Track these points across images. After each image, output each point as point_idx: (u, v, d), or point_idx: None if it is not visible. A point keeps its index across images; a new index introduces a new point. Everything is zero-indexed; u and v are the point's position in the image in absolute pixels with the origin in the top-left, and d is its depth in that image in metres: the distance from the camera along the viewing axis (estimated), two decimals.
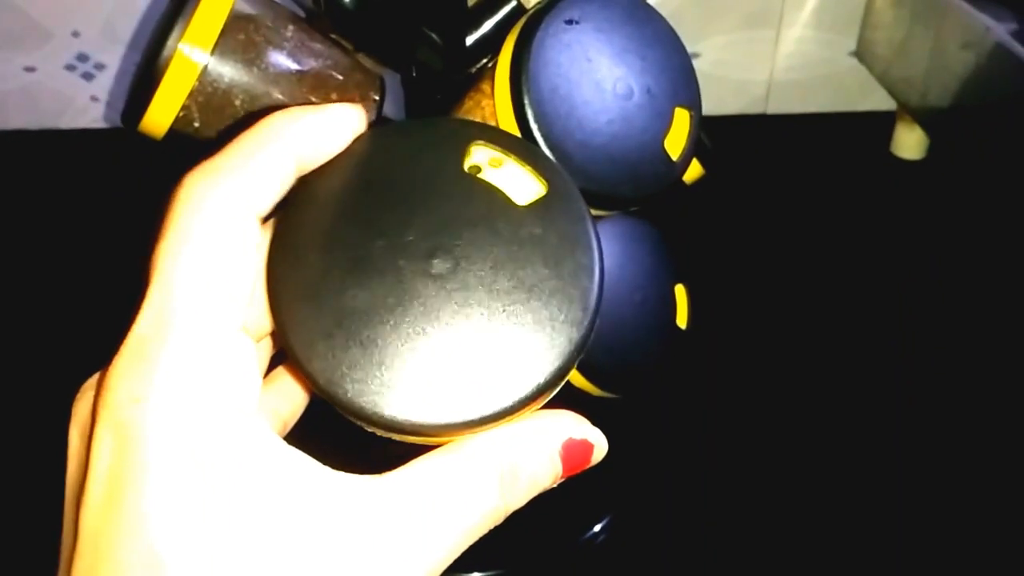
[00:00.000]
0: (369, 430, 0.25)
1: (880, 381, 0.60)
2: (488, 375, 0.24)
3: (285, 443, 0.23)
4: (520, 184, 0.27)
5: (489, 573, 0.47)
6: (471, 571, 0.47)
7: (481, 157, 0.28)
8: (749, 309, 0.65)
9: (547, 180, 0.27)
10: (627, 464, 0.54)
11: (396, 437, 0.25)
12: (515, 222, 0.26)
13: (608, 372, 0.43)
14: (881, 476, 0.54)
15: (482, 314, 0.25)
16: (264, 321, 0.26)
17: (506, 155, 0.28)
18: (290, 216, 0.26)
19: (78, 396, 0.24)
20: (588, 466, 0.27)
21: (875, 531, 0.51)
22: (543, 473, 0.26)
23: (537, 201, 0.27)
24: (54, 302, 0.66)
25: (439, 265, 0.25)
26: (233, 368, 0.22)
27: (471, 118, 0.42)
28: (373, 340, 0.24)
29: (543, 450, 0.25)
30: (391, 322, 0.24)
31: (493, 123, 0.40)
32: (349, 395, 0.24)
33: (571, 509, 0.51)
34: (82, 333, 0.63)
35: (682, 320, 0.46)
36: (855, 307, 0.66)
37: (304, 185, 0.26)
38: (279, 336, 0.25)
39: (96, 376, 0.24)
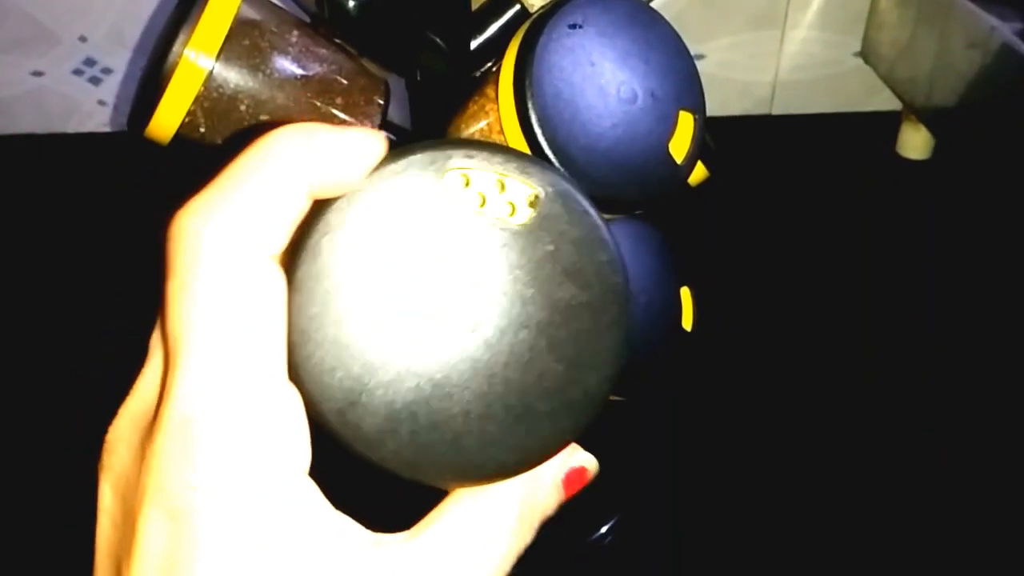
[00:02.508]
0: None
1: (886, 381, 0.60)
2: (526, 428, 0.25)
3: (331, 508, 0.23)
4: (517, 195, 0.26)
5: None
6: None
7: (478, 185, 0.26)
8: (755, 311, 0.65)
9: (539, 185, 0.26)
10: (633, 466, 0.54)
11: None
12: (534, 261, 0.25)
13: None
14: (886, 476, 0.53)
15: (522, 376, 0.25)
16: None
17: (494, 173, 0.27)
18: (307, 267, 0.23)
19: (108, 447, 0.23)
20: (584, 485, 0.29)
21: (878, 530, 0.51)
22: (551, 504, 0.28)
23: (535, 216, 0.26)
24: (60, 305, 0.67)
25: (478, 332, 0.24)
26: (283, 431, 0.21)
27: (475, 122, 0.42)
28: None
29: (550, 483, 0.28)
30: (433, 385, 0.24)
31: (498, 128, 0.40)
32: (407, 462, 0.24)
33: (577, 511, 0.51)
34: (88, 336, 0.63)
35: (688, 322, 0.46)
36: (861, 308, 0.66)
37: (315, 231, 0.23)
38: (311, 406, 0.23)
39: (125, 419, 0.23)
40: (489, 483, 0.25)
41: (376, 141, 0.23)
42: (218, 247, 0.20)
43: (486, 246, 0.25)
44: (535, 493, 0.27)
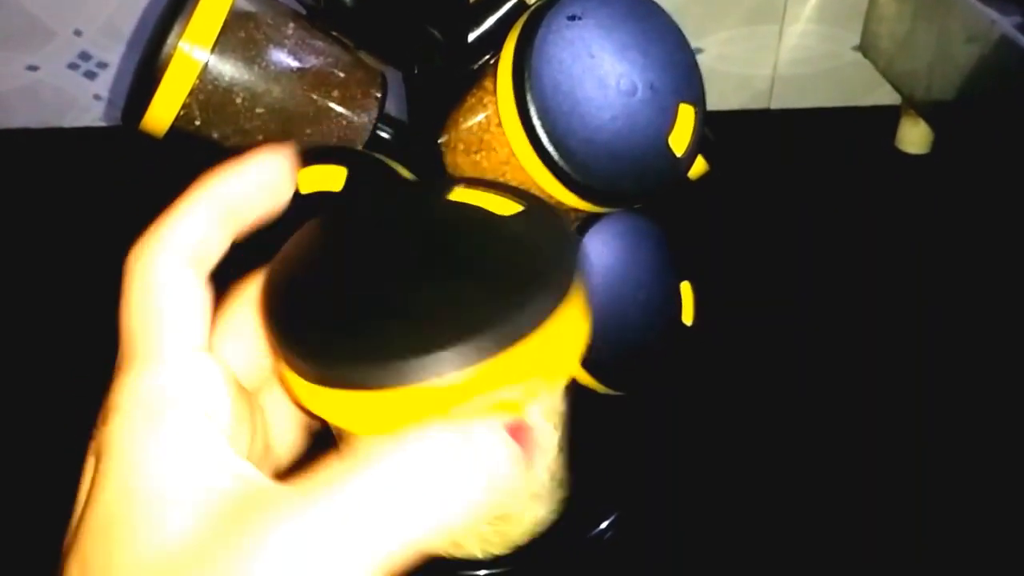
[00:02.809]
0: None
1: (886, 376, 0.60)
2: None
3: (231, 454, 0.23)
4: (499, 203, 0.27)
5: (495, 571, 0.47)
6: (477, 569, 0.47)
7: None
8: (755, 305, 0.65)
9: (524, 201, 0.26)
10: (633, 461, 0.54)
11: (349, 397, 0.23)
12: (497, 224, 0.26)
13: (614, 369, 0.42)
14: (886, 471, 0.53)
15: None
16: (256, 371, 0.27)
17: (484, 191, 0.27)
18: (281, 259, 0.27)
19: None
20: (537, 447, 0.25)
21: (880, 527, 0.50)
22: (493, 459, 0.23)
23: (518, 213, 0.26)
24: (56, 300, 0.66)
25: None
26: (202, 383, 0.24)
27: (473, 115, 0.42)
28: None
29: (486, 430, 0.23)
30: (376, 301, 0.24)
31: (496, 120, 0.39)
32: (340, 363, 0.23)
33: (577, 507, 0.50)
34: (83, 331, 0.63)
35: (687, 317, 0.46)
36: (860, 302, 0.65)
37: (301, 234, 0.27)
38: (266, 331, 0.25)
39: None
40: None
41: (275, 163, 0.27)
42: (151, 267, 0.25)
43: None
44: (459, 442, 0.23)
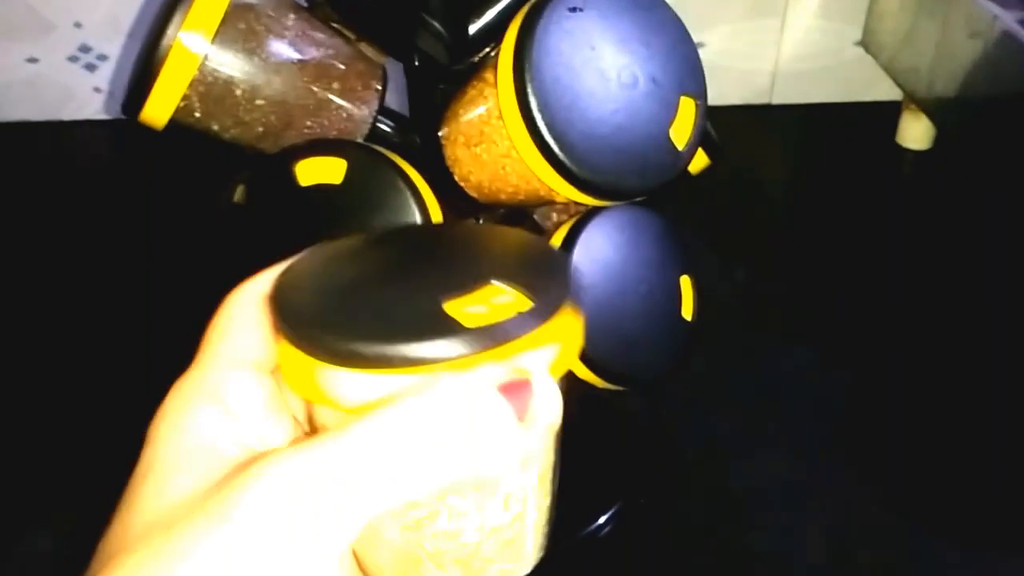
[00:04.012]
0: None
1: (885, 369, 0.59)
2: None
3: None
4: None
5: None
6: None
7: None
8: (755, 300, 0.65)
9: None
10: (632, 455, 0.54)
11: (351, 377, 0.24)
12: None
13: (613, 364, 0.42)
14: (887, 468, 0.53)
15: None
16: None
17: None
18: (287, 269, 0.28)
19: None
20: (534, 399, 0.24)
21: (882, 525, 0.50)
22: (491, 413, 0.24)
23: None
24: (56, 292, 0.66)
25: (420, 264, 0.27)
26: (230, 382, 0.27)
27: (473, 108, 0.41)
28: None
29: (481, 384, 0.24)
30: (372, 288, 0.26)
31: (496, 113, 0.39)
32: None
33: (577, 499, 0.50)
34: (84, 323, 0.63)
35: (688, 311, 0.46)
36: (860, 297, 0.65)
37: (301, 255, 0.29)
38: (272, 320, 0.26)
39: None
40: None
41: None
42: (236, 298, 0.28)
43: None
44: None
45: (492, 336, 0.23)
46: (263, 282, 0.28)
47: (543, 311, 0.24)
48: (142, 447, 0.26)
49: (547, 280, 0.25)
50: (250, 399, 0.27)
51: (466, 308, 0.24)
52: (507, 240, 0.29)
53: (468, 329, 0.23)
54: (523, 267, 0.26)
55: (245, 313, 0.28)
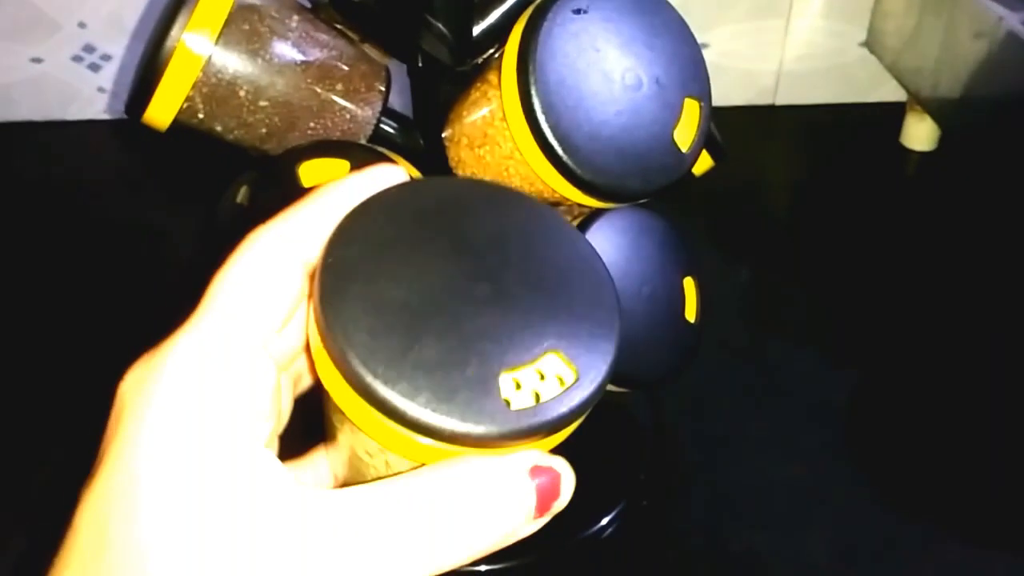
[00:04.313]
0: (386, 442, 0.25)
1: (889, 370, 0.59)
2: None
3: (268, 455, 0.23)
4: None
5: (497, 566, 0.47)
6: (478, 564, 0.47)
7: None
8: (758, 302, 0.65)
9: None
10: (635, 457, 0.54)
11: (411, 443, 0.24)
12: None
13: (617, 365, 0.42)
14: (890, 469, 0.53)
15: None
16: (292, 353, 0.27)
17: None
18: (336, 250, 0.25)
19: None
20: (558, 499, 0.26)
21: (882, 527, 0.50)
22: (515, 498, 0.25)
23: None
24: (60, 292, 0.66)
25: (480, 290, 0.25)
26: (242, 379, 0.24)
27: (477, 109, 0.41)
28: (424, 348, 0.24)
29: (516, 470, 0.25)
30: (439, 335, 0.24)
31: (500, 114, 0.39)
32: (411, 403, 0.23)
33: (579, 501, 0.50)
34: (88, 323, 0.63)
35: (691, 313, 0.46)
36: (864, 298, 0.65)
37: (348, 223, 0.26)
38: (332, 354, 0.24)
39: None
40: None
41: (398, 172, 0.27)
42: (258, 244, 0.25)
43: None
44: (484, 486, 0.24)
45: (538, 423, 0.24)
46: (294, 225, 0.26)
47: (588, 395, 0.25)
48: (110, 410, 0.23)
49: (596, 347, 0.25)
50: (246, 381, 0.24)
51: (519, 376, 0.24)
52: (560, 254, 0.27)
53: (516, 412, 0.24)
54: (576, 318, 0.26)
55: (266, 265, 0.25)
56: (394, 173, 0.27)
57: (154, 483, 0.21)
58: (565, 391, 0.25)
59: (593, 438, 0.52)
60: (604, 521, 0.50)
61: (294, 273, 0.25)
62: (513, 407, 0.24)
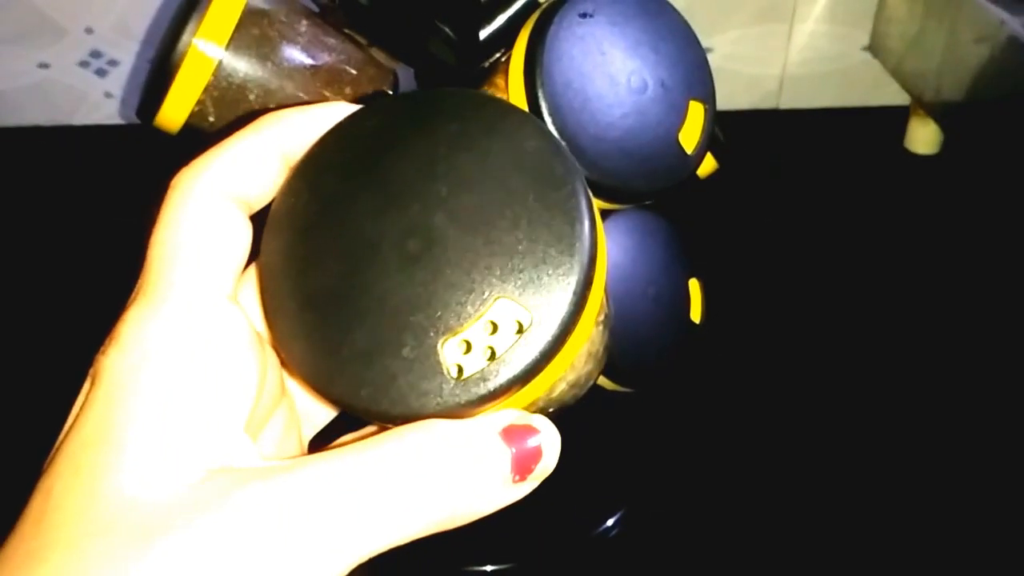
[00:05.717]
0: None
1: (893, 376, 0.60)
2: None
3: (235, 436, 0.22)
4: None
5: (501, 566, 0.47)
6: (483, 564, 0.47)
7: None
8: (763, 304, 0.65)
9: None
10: (640, 458, 0.54)
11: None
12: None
13: (621, 366, 0.43)
14: (892, 470, 0.53)
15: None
16: None
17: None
18: (280, 202, 0.25)
19: None
20: (541, 461, 0.23)
21: (883, 525, 0.50)
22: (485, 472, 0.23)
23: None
24: (67, 298, 0.67)
25: (412, 247, 0.23)
26: (212, 332, 0.22)
27: None
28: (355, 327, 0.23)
29: (486, 431, 0.23)
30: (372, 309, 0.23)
31: None
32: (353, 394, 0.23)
33: (584, 503, 0.51)
34: (94, 328, 0.63)
35: (696, 314, 0.46)
36: (868, 302, 0.65)
37: (295, 171, 0.25)
38: (271, 336, 0.24)
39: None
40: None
41: (341, 108, 0.26)
42: (193, 189, 0.24)
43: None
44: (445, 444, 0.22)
45: (493, 386, 0.22)
46: (226, 164, 0.24)
47: (552, 334, 0.22)
48: (86, 396, 0.23)
49: (555, 272, 0.22)
50: (220, 347, 0.22)
51: (467, 335, 0.22)
52: (504, 162, 0.23)
53: (463, 382, 0.22)
54: (528, 243, 0.22)
55: (210, 216, 0.23)
56: (335, 115, 0.26)
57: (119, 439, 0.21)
58: (521, 338, 0.22)
59: (597, 439, 0.52)
60: (610, 522, 0.50)
61: (231, 214, 0.24)
62: (466, 373, 0.22)
